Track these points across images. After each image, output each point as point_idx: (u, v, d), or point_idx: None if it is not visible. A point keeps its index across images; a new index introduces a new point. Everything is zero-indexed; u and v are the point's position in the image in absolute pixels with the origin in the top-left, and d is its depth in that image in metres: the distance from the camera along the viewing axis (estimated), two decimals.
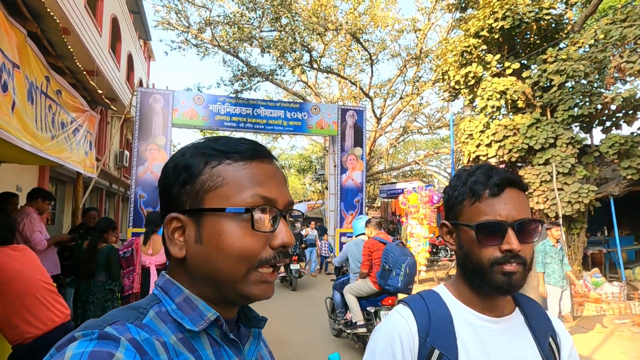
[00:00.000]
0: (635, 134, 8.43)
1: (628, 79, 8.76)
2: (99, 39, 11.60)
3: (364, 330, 5.04)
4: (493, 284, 0.86)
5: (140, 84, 18.46)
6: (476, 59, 10.56)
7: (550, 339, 0.93)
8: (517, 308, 0.96)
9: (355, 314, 5.11)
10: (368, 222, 5.48)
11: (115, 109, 7.86)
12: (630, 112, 8.66)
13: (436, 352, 0.86)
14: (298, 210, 0.71)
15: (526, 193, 0.94)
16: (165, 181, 0.66)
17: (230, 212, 0.60)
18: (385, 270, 4.75)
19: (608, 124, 9.11)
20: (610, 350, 5.36)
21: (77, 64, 4.09)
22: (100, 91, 5.10)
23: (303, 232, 13.66)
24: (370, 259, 5.00)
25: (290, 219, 0.66)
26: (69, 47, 3.80)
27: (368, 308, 5.09)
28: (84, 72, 4.40)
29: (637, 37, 7.93)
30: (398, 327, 0.90)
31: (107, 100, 5.71)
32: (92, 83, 4.71)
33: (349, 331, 5.33)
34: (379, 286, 4.90)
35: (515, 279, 0.85)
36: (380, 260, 4.82)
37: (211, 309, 0.62)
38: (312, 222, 14.54)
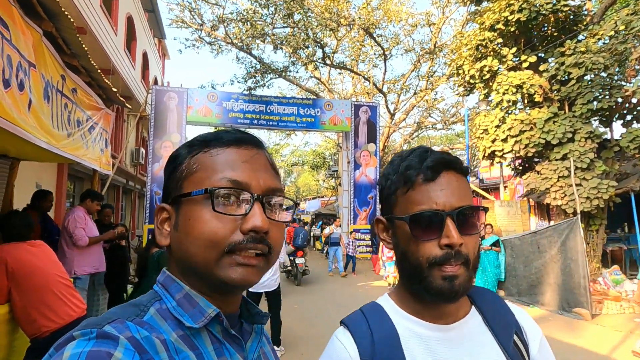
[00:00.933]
0: None
1: None
2: (115, 38, 11.75)
3: (289, 267, 10.35)
4: (433, 290, 0.73)
5: (155, 82, 18.68)
6: (491, 53, 10.39)
7: (515, 337, 0.80)
8: (472, 307, 0.83)
9: (286, 261, 9.51)
10: None
11: (130, 107, 7.95)
12: None
13: None
14: (288, 198, 0.68)
15: (466, 177, 0.81)
16: (164, 175, 0.69)
17: (195, 195, 0.60)
18: (294, 238, 10.41)
19: (629, 117, 8.87)
20: (630, 349, 5.24)
21: (92, 62, 4.15)
22: (115, 89, 5.17)
23: (327, 230, 12.75)
24: (290, 236, 11.05)
25: (267, 204, 0.64)
26: (84, 45, 3.85)
27: (290, 258, 10.08)
28: (99, 71, 4.46)
29: None
30: (337, 355, 0.78)
31: (122, 98, 5.78)
32: (107, 81, 4.77)
33: (284, 271, 10.42)
34: (294, 246, 10.25)
35: (458, 284, 0.72)
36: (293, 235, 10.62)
37: (212, 305, 0.61)
38: (338, 219, 13.47)
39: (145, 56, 17.03)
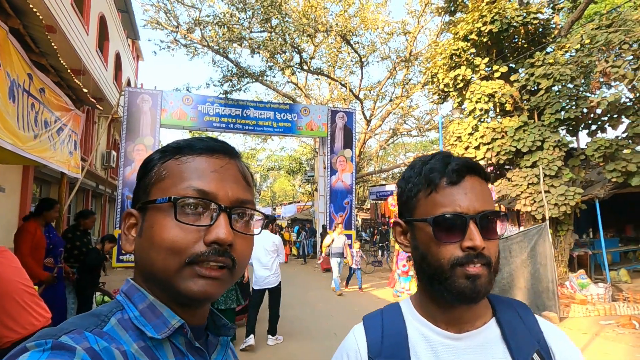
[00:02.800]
0: (620, 138, 8.56)
1: (613, 83, 8.92)
2: (86, 38, 11.43)
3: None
4: (455, 290, 0.72)
5: (128, 84, 18.26)
6: (465, 62, 10.66)
7: (536, 356, 0.75)
8: (493, 319, 0.80)
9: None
10: None
11: (101, 108, 7.74)
12: (615, 115, 8.81)
13: None
14: (257, 210, 0.67)
15: (490, 185, 0.82)
16: (136, 179, 0.67)
17: (159, 203, 0.59)
18: None
19: (594, 127, 9.26)
20: (596, 351, 5.42)
21: (61, 61, 4.01)
22: (85, 90, 5.01)
23: (328, 239, 10.27)
24: None
25: (235, 216, 0.62)
26: (53, 44, 3.72)
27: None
28: (69, 70, 4.31)
29: (622, 42, 8.07)
30: (347, 347, 0.84)
31: (92, 100, 5.61)
32: (76, 81, 4.62)
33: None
34: None
35: (480, 284, 0.71)
36: None
37: (176, 316, 0.59)
38: (339, 225, 10.55)
39: (118, 57, 16.64)
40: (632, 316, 6.65)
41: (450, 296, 0.73)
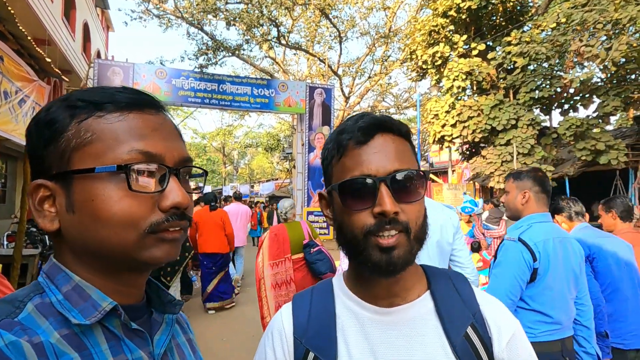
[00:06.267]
0: (590, 117, 8.78)
1: (586, 63, 9.08)
2: (50, 5, 10.80)
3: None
4: (370, 262, 0.66)
5: (98, 56, 17.50)
6: (443, 39, 10.63)
7: (470, 329, 0.69)
8: (428, 292, 0.73)
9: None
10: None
11: (68, 80, 7.41)
12: (587, 95, 9.00)
13: (311, 355, 0.71)
14: (199, 167, 0.62)
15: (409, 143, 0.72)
16: (30, 143, 0.54)
17: (100, 172, 0.51)
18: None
19: (566, 106, 9.46)
20: None
21: (20, 28, 3.77)
22: (49, 60, 4.75)
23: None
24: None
25: (181, 175, 0.57)
26: (10, 9, 3.48)
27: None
28: (29, 38, 4.07)
29: (596, 21, 8.17)
30: (272, 327, 0.78)
31: (57, 71, 5.35)
32: (38, 50, 4.37)
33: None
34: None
35: (396, 255, 0.64)
36: None
37: (107, 297, 0.53)
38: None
39: (86, 27, 15.86)
40: None
41: (367, 269, 0.68)
